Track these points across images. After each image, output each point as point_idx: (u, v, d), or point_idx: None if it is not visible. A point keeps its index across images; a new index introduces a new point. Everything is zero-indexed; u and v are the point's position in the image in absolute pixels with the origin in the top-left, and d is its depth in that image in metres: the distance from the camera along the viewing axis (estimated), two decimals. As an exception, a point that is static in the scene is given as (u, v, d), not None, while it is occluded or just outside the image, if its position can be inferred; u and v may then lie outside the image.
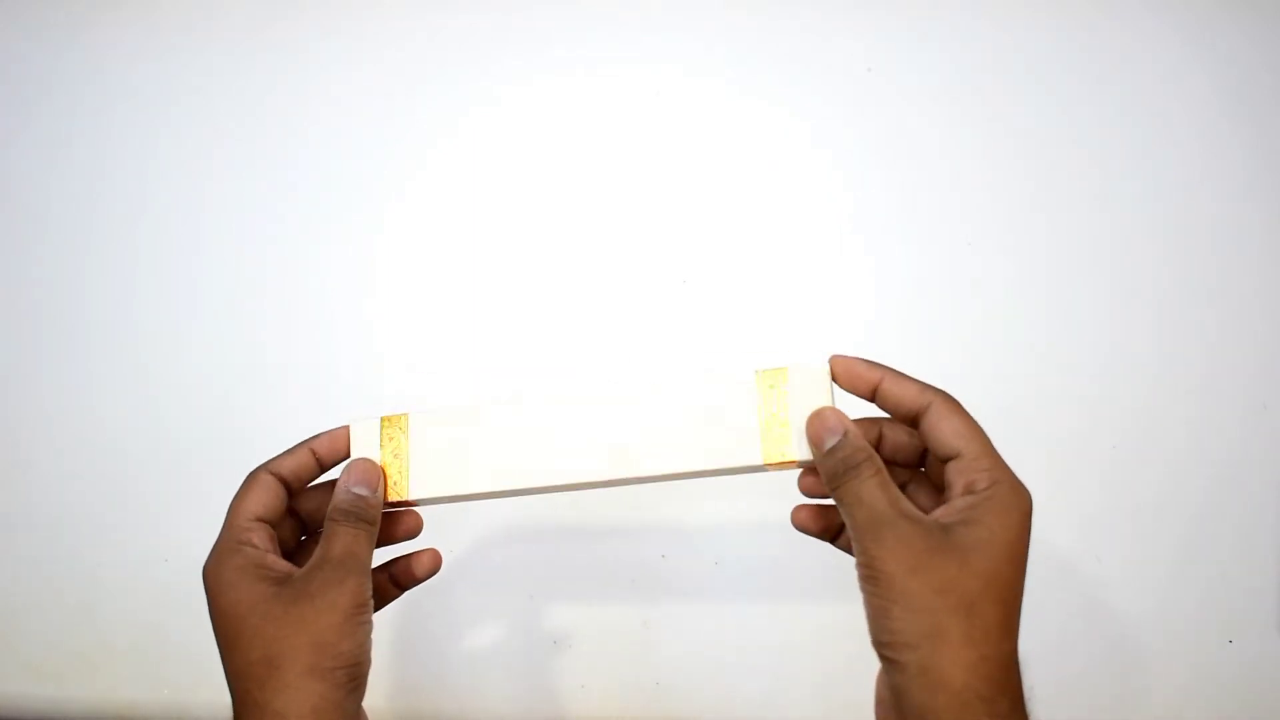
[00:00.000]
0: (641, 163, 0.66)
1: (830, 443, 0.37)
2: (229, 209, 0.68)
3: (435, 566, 0.45)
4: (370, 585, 0.39)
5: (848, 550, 0.40)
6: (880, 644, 0.35)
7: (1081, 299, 0.62)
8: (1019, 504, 0.36)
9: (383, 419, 0.43)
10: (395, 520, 0.45)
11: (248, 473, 0.42)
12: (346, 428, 0.44)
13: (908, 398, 0.38)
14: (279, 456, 0.43)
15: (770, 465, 0.40)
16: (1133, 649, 0.57)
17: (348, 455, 0.43)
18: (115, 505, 0.62)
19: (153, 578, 0.60)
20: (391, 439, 0.43)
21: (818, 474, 0.39)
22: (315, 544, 0.41)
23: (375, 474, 0.42)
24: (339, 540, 0.40)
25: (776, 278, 0.64)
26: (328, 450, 0.43)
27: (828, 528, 0.42)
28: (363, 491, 0.41)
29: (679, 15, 0.68)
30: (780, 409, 0.40)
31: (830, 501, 0.38)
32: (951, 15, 0.67)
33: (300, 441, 0.43)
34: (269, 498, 0.41)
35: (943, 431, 0.37)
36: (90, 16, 0.72)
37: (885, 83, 0.66)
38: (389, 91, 0.69)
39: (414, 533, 0.45)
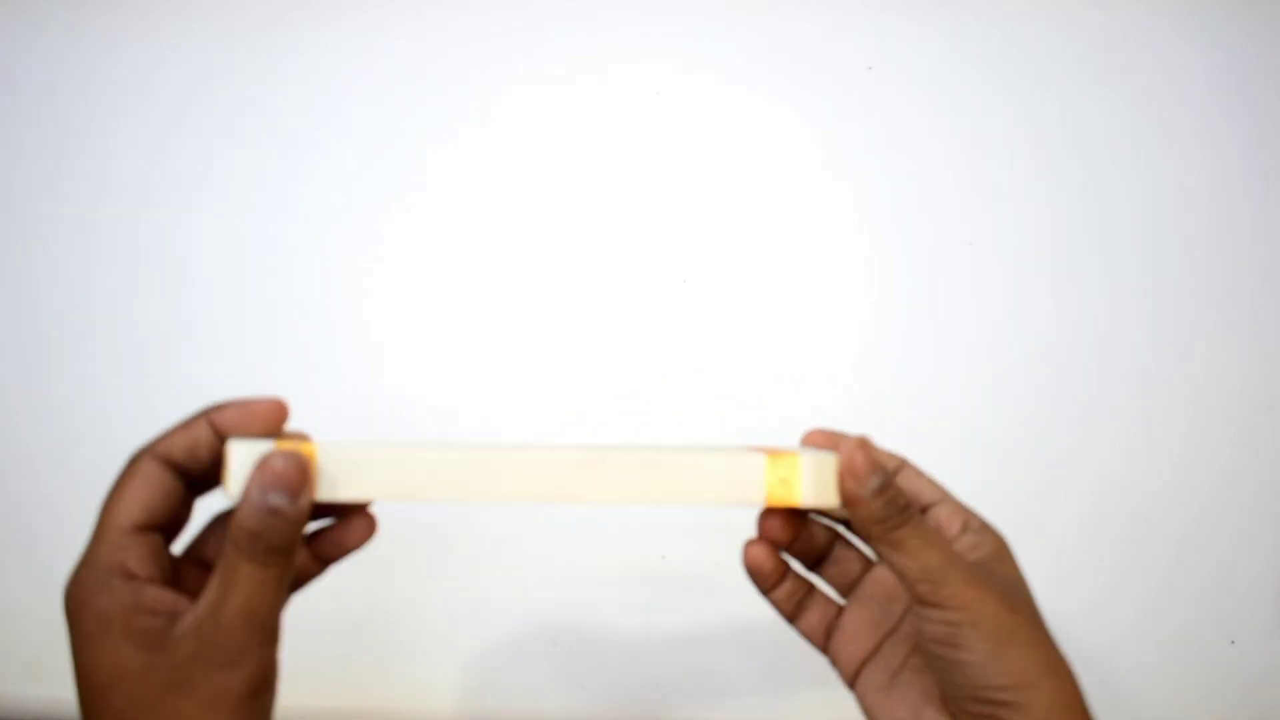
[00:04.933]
0: (641, 162, 0.66)
1: (874, 483, 0.33)
2: (230, 209, 0.68)
3: (370, 533, 0.34)
4: (277, 651, 0.30)
5: (813, 633, 0.39)
6: (993, 689, 0.32)
7: (1081, 299, 0.62)
8: (1002, 538, 0.37)
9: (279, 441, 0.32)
10: (337, 527, 0.34)
11: (127, 457, 0.31)
12: (276, 403, 0.33)
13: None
14: (168, 433, 0.32)
15: (774, 504, 0.35)
16: (1134, 650, 0.57)
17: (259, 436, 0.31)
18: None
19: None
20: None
21: (794, 519, 0.37)
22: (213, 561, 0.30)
23: (299, 472, 0.29)
24: (238, 588, 0.28)
25: (776, 277, 0.64)
26: (235, 426, 0.32)
27: (789, 591, 0.39)
28: (279, 501, 0.28)
29: (679, 14, 0.68)
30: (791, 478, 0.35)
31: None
32: (951, 15, 0.67)
33: (198, 411, 0.32)
34: (152, 495, 0.31)
35: (921, 485, 0.38)
36: (91, 16, 0.72)
37: (885, 83, 0.66)
38: (389, 91, 0.69)
39: (361, 542, 0.34)
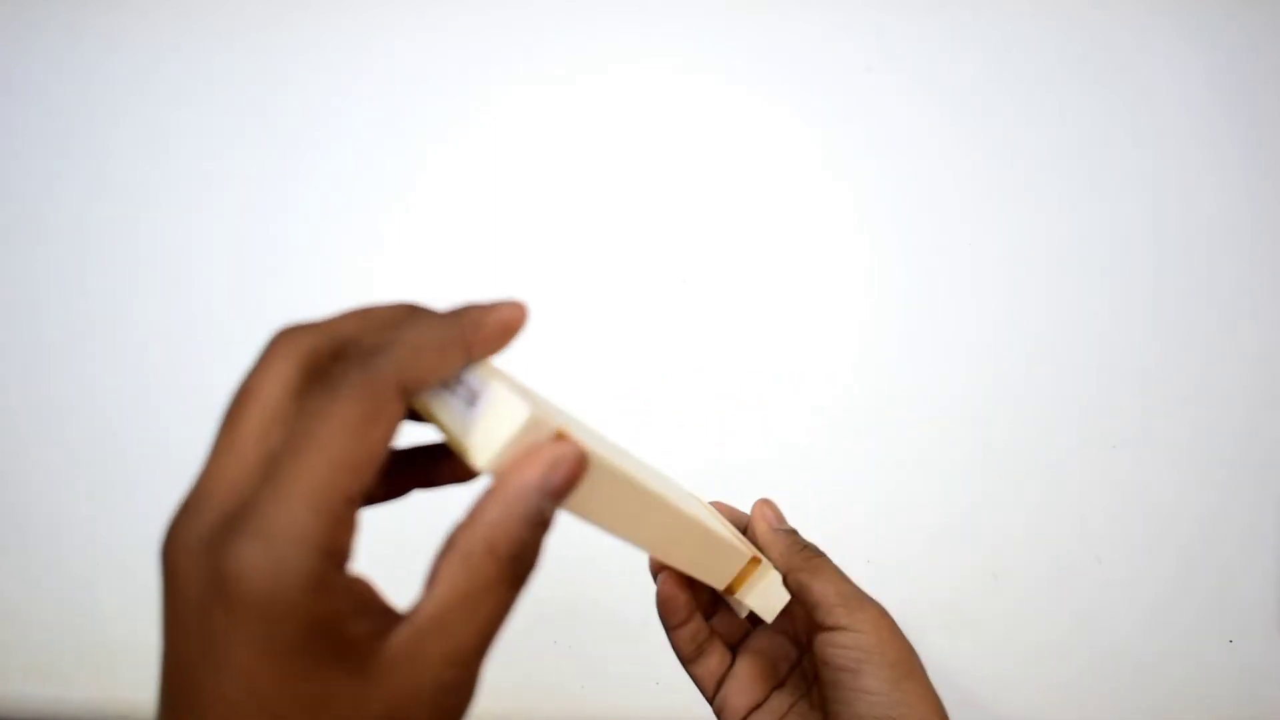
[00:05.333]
0: (641, 162, 0.66)
1: (786, 525, 0.39)
2: (230, 209, 0.68)
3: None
4: (475, 684, 0.23)
5: (707, 679, 0.40)
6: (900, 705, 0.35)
7: (1081, 299, 0.62)
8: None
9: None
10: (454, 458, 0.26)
11: (279, 345, 0.22)
12: (522, 306, 0.24)
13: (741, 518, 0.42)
14: (419, 354, 0.21)
15: (754, 560, 0.38)
16: (1133, 649, 0.57)
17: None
18: (116, 505, 0.62)
19: (153, 578, 0.60)
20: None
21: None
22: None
23: (581, 470, 0.23)
24: (483, 612, 0.21)
25: (776, 277, 0.64)
26: (488, 351, 0.23)
27: (693, 631, 0.40)
28: (550, 509, 0.22)
29: (679, 15, 0.68)
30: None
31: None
32: (951, 15, 0.67)
33: (441, 318, 0.22)
34: (388, 445, 0.21)
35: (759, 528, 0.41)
36: (91, 17, 0.72)
37: (885, 83, 0.66)
38: (389, 92, 0.69)
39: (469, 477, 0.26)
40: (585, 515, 0.27)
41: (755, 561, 0.38)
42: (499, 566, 0.21)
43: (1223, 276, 0.62)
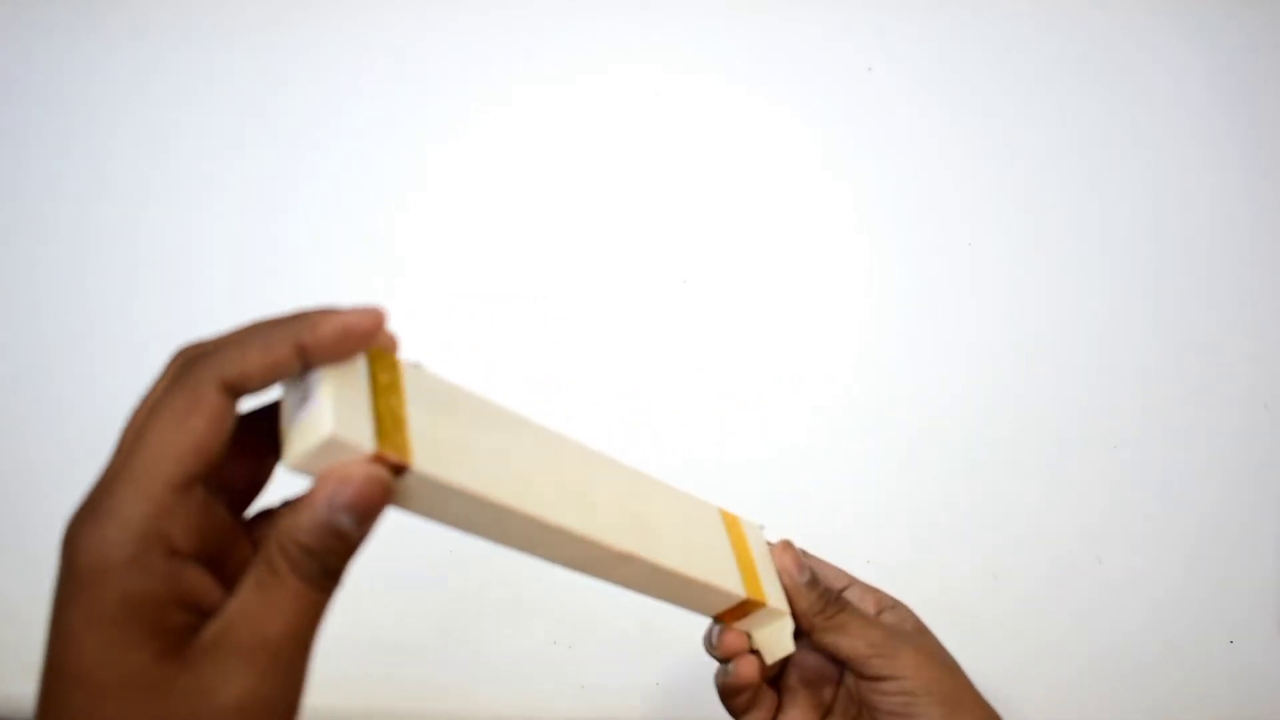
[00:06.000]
0: (641, 163, 0.66)
1: (805, 576, 0.38)
2: (231, 211, 0.68)
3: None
4: (303, 683, 0.24)
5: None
6: None
7: (1081, 299, 0.62)
8: (916, 613, 0.40)
9: (372, 357, 0.26)
10: None
11: (175, 361, 0.24)
12: (376, 316, 0.25)
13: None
14: (242, 348, 0.24)
15: (751, 601, 0.37)
16: (1134, 650, 0.57)
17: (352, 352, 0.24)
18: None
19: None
20: (385, 391, 0.26)
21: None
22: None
23: (380, 495, 0.23)
24: (284, 606, 0.22)
25: (776, 277, 0.64)
26: (329, 354, 0.24)
27: (750, 698, 0.39)
28: (348, 524, 0.23)
29: (679, 15, 0.68)
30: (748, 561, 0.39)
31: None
32: (951, 15, 0.67)
33: (277, 321, 0.24)
34: (213, 435, 0.23)
35: (829, 572, 0.40)
36: (93, 17, 0.72)
37: (885, 83, 0.66)
38: (389, 92, 0.69)
39: None
40: (496, 540, 0.29)
41: (755, 603, 0.37)
42: (292, 567, 0.23)
43: (1223, 276, 0.62)
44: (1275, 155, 0.63)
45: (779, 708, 0.40)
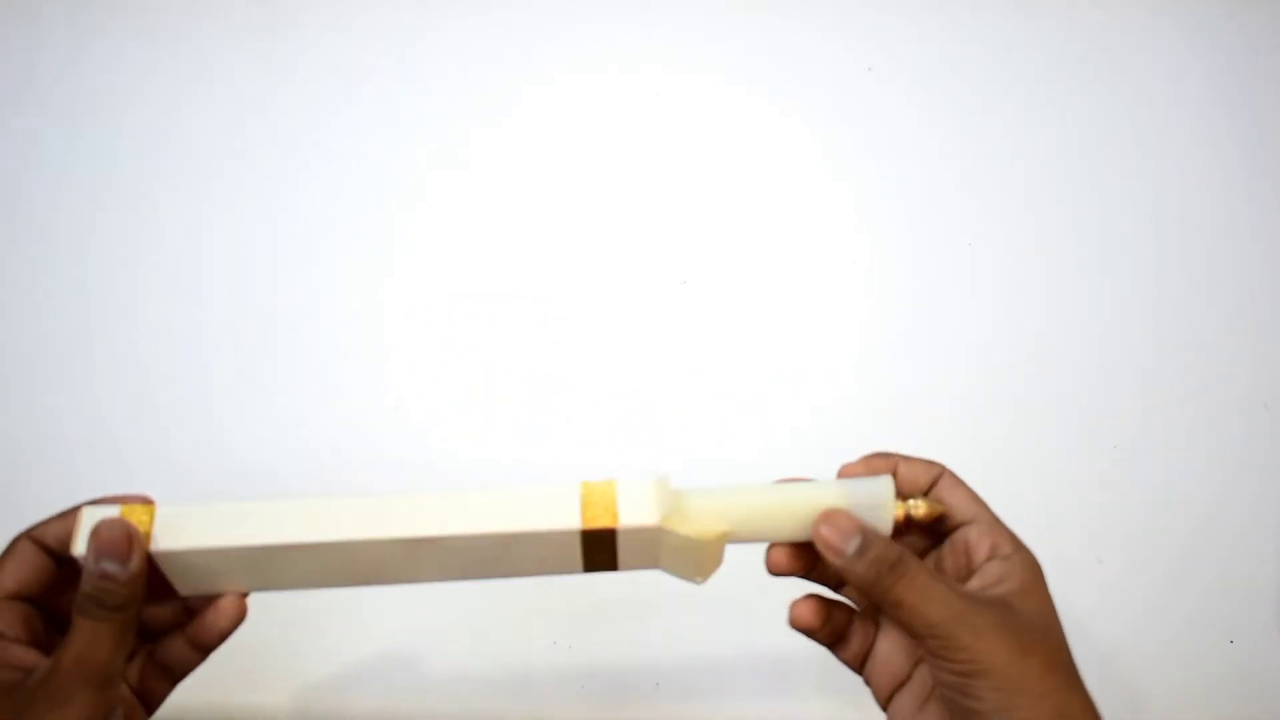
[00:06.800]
0: (641, 163, 0.66)
1: (851, 546, 0.34)
2: (232, 211, 0.68)
3: (240, 614, 0.36)
4: (113, 694, 0.32)
5: (852, 661, 0.38)
6: None
7: (1081, 299, 0.62)
8: (1037, 565, 0.36)
9: (123, 508, 0.35)
10: (206, 614, 0.36)
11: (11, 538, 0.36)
12: (144, 500, 0.35)
13: (921, 473, 0.38)
14: (46, 520, 0.36)
15: (589, 529, 0.36)
16: (1133, 649, 0.57)
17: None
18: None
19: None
20: (134, 512, 0.35)
21: (793, 552, 0.37)
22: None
23: (123, 538, 0.33)
24: (74, 642, 0.32)
25: (776, 278, 0.64)
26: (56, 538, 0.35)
27: (832, 627, 0.38)
28: (110, 567, 0.32)
29: (679, 15, 0.68)
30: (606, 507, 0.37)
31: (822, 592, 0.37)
32: (951, 15, 0.67)
33: (76, 505, 0.36)
34: (25, 571, 0.35)
35: (956, 499, 0.37)
36: (95, 17, 0.72)
37: (885, 83, 0.66)
38: (389, 93, 0.69)
39: (230, 625, 0.36)
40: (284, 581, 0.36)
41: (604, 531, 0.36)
42: (78, 610, 0.32)
43: (1223, 276, 0.62)
44: (1275, 155, 0.63)
45: (874, 642, 0.38)
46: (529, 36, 0.69)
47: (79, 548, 0.33)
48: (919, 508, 0.36)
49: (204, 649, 0.36)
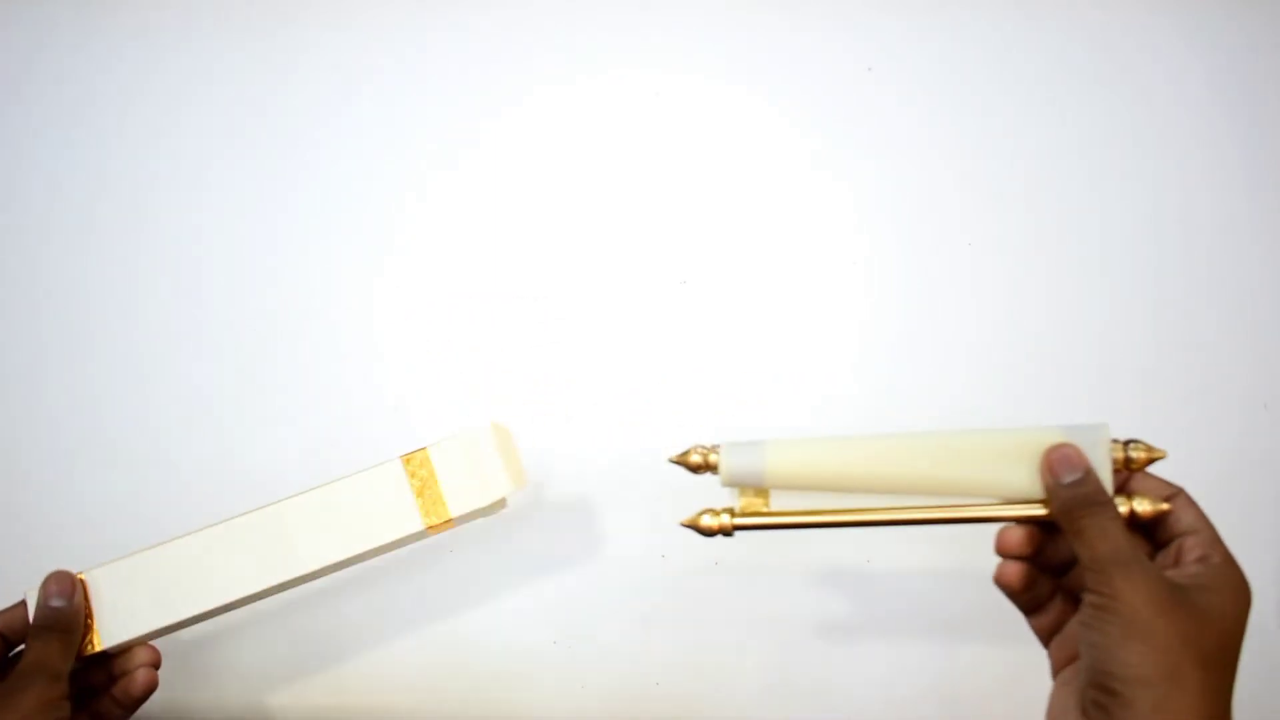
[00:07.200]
0: (640, 163, 0.66)
1: (1072, 477, 0.38)
2: (232, 210, 0.68)
3: (151, 684, 0.47)
4: (64, 686, 0.43)
5: (1041, 631, 0.41)
6: (1109, 676, 0.34)
7: (1081, 299, 0.62)
8: (1246, 589, 0.38)
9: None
10: (122, 681, 0.47)
11: None
12: (23, 602, 0.47)
13: (1159, 487, 0.40)
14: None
15: (431, 529, 0.48)
16: (1133, 649, 0.56)
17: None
18: (115, 508, 0.62)
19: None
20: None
21: (1031, 527, 0.40)
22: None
23: (69, 582, 0.46)
24: (28, 654, 0.44)
25: (776, 278, 0.64)
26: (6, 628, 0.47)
27: (1034, 594, 0.41)
28: (58, 603, 0.45)
29: (679, 15, 0.68)
30: (428, 478, 0.48)
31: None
32: (952, 15, 0.67)
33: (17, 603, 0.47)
34: None
35: (1190, 514, 0.39)
36: (94, 17, 0.72)
37: (885, 83, 0.66)
38: (388, 93, 0.69)
39: (145, 691, 0.47)
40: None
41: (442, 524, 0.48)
42: (33, 633, 0.45)
43: (1223, 276, 0.62)
44: (1275, 155, 0.63)
45: (1066, 620, 0.40)
46: (529, 36, 0.69)
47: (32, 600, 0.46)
48: (1143, 504, 0.39)
49: (126, 709, 0.47)
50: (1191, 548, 0.38)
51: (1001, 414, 0.61)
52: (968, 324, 0.62)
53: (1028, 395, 0.61)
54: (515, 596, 0.60)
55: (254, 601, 0.49)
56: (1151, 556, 0.39)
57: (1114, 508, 0.37)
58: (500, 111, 0.68)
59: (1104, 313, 0.62)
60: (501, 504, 0.50)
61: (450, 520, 0.48)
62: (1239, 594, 0.37)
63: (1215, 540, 0.38)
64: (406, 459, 0.48)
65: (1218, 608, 0.36)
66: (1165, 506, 0.38)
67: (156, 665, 0.48)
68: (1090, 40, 0.66)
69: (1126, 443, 0.40)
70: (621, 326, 0.64)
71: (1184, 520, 0.39)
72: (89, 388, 0.65)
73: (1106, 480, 0.39)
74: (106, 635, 0.47)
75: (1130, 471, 0.40)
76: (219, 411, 0.64)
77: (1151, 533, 0.40)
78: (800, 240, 0.64)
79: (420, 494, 0.47)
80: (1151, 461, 0.40)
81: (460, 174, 0.67)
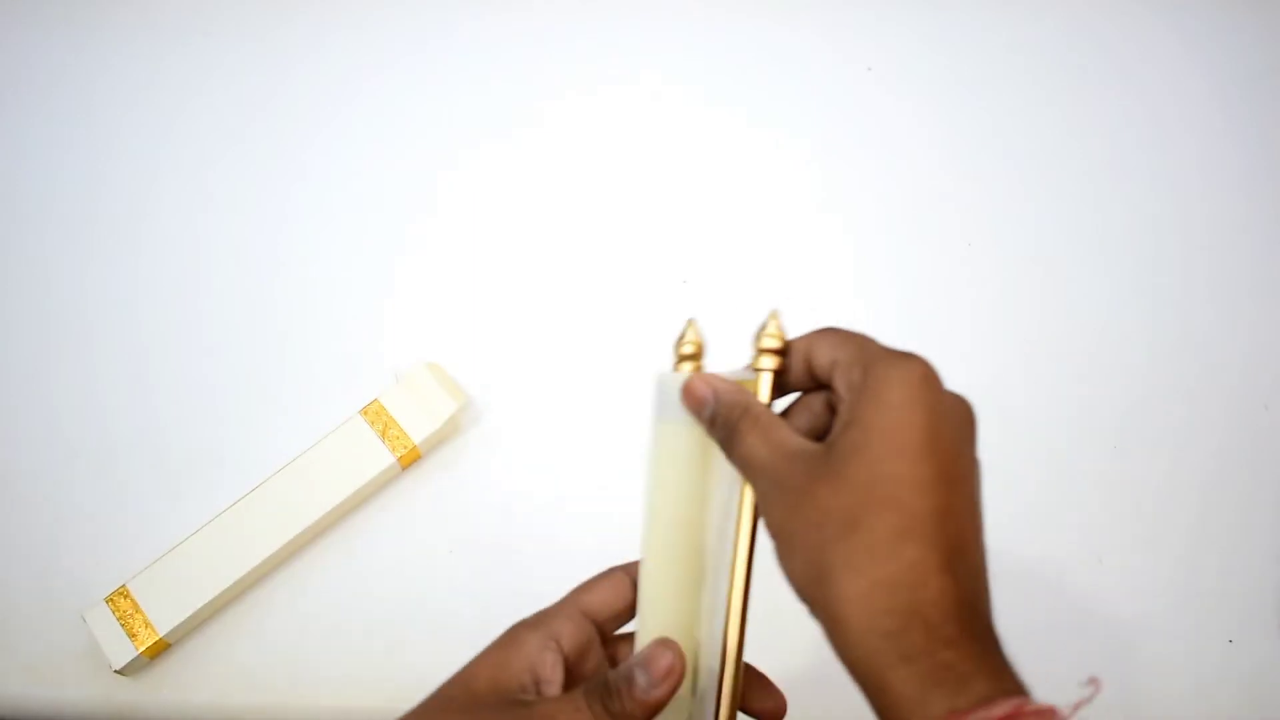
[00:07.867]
0: (641, 164, 0.66)
1: (706, 413, 0.35)
2: (233, 212, 0.68)
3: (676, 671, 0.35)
4: None
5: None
6: (799, 590, 0.30)
7: (1081, 298, 0.62)
8: (902, 377, 0.30)
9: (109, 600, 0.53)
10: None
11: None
12: (620, 575, 0.40)
13: (806, 349, 0.35)
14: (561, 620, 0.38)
15: (402, 460, 0.56)
16: (1133, 649, 0.57)
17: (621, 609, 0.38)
18: (115, 508, 0.62)
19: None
20: (119, 606, 0.53)
21: None
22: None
23: (679, 671, 0.34)
24: (562, 707, 0.33)
25: (776, 277, 0.64)
26: (602, 609, 0.39)
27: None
28: (662, 693, 0.33)
29: (678, 16, 0.68)
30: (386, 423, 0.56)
31: None
32: (951, 15, 0.67)
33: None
34: (613, 599, 0.39)
35: (825, 345, 0.33)
36: (96, 16, 0.72)
37: (885, 83, 0.66)
38: (391, 97, 0.69)
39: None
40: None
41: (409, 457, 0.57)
42: (616, 705, 0.33)
43: (1223, 276, 0.62)
44: (1275, 155, 0.63)
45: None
46: (529, 40, 0.69)
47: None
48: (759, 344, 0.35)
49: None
50: (839, 383, 0.32)
51: (1001, 413, 0.61)
52: (967, 324, 0.62)
53: (1027, 395, 0.61)
54: (516, 595, 0.60)
55: (276, 565, 0.55)
56: (832, 414, 0.32)
57: (748, 417, 0.32)
58: (501, 114, 0.68)
59: (1103, 313, 0.62)
60: (455, 425, 0.58)
61: (414, 448, 0.55)
62: (887, 393, 0.29)
63: (856, 358, 0.32)
64: (364, 411, 0.56)
65: (857, 444, 0.28)
66: (779, 336, 0.34)
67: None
68: (1090, 41, 0.66)
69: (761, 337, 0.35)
70: (622, 326, 0.64)
71: (821, 357, 0.33)
72: (89, 389, 0.65)
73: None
74: (161, 625, 0.52)
75: (784, 355, 0.34)
76: (219, 411, 0.64)
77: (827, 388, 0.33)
78: (800, 240, 0.64)
79: (384, 435, 0.55)
80: (777, 349, 0.35)
81: (460, 175, 0.67)
